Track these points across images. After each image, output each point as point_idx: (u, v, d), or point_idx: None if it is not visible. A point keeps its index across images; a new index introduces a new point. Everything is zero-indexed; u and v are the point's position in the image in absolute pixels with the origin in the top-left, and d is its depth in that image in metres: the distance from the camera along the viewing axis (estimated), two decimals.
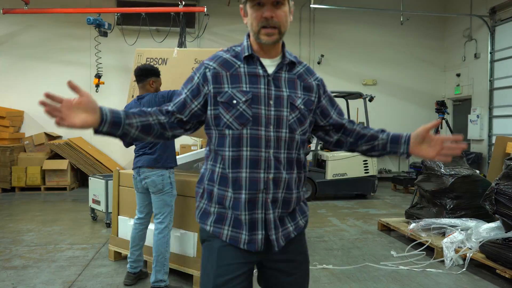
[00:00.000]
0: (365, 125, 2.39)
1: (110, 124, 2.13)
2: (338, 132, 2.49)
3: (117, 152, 13.81)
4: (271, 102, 2.23)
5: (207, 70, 2.28)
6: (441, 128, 8.90)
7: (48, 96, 2.08)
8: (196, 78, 2.31)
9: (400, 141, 2.35)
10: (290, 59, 2.34)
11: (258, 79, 2.26)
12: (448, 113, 9.11)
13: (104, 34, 11.99)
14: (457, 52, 15.10)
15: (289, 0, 2.30)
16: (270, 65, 2.31)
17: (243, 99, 2.21)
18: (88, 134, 13.61)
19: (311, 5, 12.98)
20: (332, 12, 14.68)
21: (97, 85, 12.48)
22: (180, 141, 13.57)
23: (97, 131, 2.13)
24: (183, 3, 11.81)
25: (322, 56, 14.66)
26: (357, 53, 15.12)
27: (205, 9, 11.83)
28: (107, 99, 13.52)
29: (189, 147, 13.11)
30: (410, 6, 14.44)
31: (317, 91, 2.39)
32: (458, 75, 14.97)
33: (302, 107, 2.29)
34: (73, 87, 2.11)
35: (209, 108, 2.27)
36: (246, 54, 2.29)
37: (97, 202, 7.99)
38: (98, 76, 12.50)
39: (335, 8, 13.56)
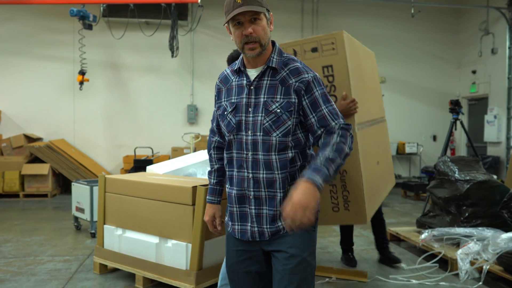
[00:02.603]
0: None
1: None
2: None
3: (102, 155, 13.84)
4: (250, 109, 2.74)
5: (215, 87, 2.96)
6: (455, 129, 8.91)
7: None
8: (214, 95, 2.98)
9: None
10: (269, 65, 2.76)
11: (243, 90, 2.79)
12: (462, 113, 9.12)
13: (89, 27, 11.99)
14: (473, 47, 15.13)
15: (265, 13, 2.72)
16: (254, 74, 2.79)
17: (229, 109, 2.80)
18: (71, 136, 13.63)
19: None
20: (337, 3, 14.73)
21: (81, 83, 12.45)
22: (172, 143, 13.61)
23: None
24: None
25: None
26: None
27: (199, 0, 11.84)
28: (92, 97, 13.58)
29: (181, 150, 13.14)
30: None
31: (297, 92, 2.72)
32: (474, 72, 15.01)
33: (278, 110, 2.69)
34: (215, 231, 3.14)
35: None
36: (235, 68, 2.87)
37: (81, 210, 8.00)
38: (82, 72, 12.48)
39: None
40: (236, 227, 2.86)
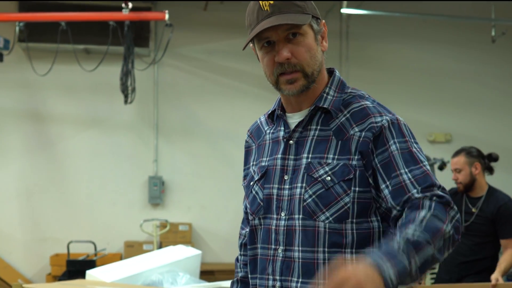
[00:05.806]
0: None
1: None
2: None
3: (18, 254, 13.69)
4: (286, 178, 2.47)
5: (245, 145, 2.82)
6: None
7: None
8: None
9: None
10: (318, 105, 2.49)
11: (278, 146, 2.57)
12: None
13: None
14: None
15: (312, 24, 2.45)
16: (296, 121, 2.55)
17: (257, 177, 2.58)
18: None
19: (342, 10, 12.94)
20: (376, 21, 14.75)
21: None
22: (125, 235, 13.49)
23: None
24: (130, 6, 11.54)
25: None
26: (418, 89, 15.11)
27: (167, 16, 11.71)
28: (3, 164, 13.50)
29: (139, 245, 13.04)
30: (507, 13, 14.48)
31: (362, 150, 2.38)
32: None
33: (329, 178, 2.37)
34: None
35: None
36: (269, 112, 2.69)
37: None
38: None
39: (382, 14, 13.60)
40: None
